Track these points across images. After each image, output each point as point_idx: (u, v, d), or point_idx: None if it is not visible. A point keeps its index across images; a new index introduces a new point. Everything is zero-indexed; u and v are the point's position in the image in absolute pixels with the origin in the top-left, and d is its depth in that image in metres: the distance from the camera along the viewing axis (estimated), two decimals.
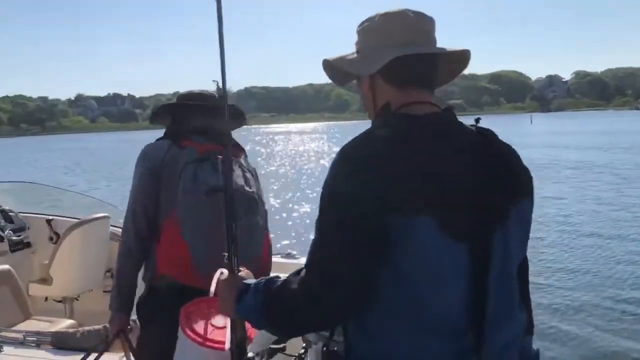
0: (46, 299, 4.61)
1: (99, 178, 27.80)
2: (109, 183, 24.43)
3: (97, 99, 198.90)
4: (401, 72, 1.30)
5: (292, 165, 31.93)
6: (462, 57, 1.38)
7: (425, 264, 1.16)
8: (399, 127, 1.23)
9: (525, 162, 1.34)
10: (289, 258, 4.45)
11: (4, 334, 3.04)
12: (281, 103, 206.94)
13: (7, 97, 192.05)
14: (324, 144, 55.25)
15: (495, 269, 1.21)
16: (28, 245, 4.95)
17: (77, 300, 4.80)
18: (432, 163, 1.18)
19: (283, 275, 1.34)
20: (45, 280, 4.45)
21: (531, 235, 1.34)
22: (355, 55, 1.37)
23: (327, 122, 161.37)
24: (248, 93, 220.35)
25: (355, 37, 1.40)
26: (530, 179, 1.33)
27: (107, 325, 2.93)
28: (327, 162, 30.65)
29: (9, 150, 70.39)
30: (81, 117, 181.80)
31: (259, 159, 36.94)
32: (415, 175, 1.16)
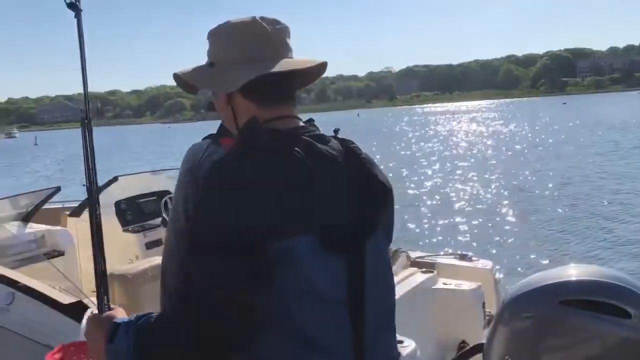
0: None
1: None
2: None
3: None
4: (261, 89, 1.25)
5: (452, 146, 30.43)
6: (320, 66, 1.37)
7: (307, 282, 1.12)
8: (267, 145, 1.18)
9: None
10: (464, 260, 3.89)
11: None
12: (445, 81, 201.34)
13: None
14: (489, 123, 52.60)
15: (371, 280, 1.21)
16: None
17: None
18: (304, 179, 1.15)
19: None
20: None
21: None
22: (209, 69, 1.30)
23: (494, 100, 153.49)
24: (410, 72, 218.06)
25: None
26: (390, 188, 1.32)
27: None
28: (490, 144, 29.38)
29: (191, 133, 77.47)
30: None
31: (420, 140, 36.16)
32: (289, 194, 1.12)
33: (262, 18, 1.27)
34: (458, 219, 11.79)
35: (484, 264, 3.83)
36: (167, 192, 4.96)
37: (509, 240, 9.84)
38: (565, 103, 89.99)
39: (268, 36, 1.26)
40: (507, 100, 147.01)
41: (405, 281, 3.38)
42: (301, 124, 1.30)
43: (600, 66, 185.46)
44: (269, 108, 1.26)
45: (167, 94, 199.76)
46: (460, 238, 10.26)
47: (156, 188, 5.00)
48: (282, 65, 1.25)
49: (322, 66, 1.38)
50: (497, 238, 10.05)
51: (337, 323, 1.17)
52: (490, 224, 11.16)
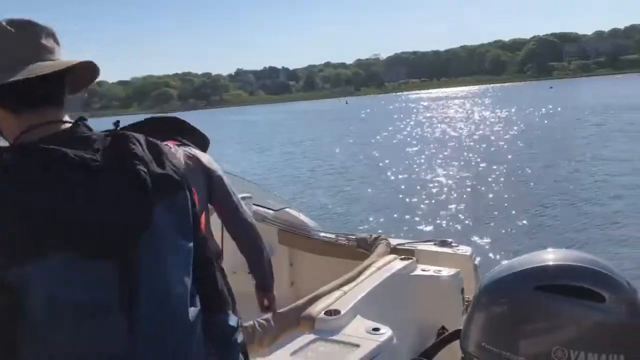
0: None
1: (249, 149, 29.16)
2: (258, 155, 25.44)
3: (255, 72, 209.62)
4: (10, 97, 1.18)
5: (436, 133, 30.51)
6: (86, 68, 1.28)
7: (59, 300, 1.07)
8: (11, 162, 1.10)
9: None
10: (443, 246, 3.90)
11: None
12: (433, 67, 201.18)
13: (176, 74, 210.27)
14: (474, 109, 52.71)
15: (147, 278, 1.16)
16: None
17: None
18: (51, 193, 1.08)
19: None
20: None
21: None
22: None
23: (481, 85, 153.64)
24: (398, 59, 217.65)
25: None
26: (178, 169, 1.26)
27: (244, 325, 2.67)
28: (474, 129, 29.33)
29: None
30: (241, 90, 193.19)
31: (404, 127, 36.13)
32: (19, 218, 1.05)
33: (9, 21, 1.21)
34: (440, 205, 11.81)
35: (464, 250, 3.84)
36: None
37: (491, 226, 9.87)
38: (552, 87, 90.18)
39: (12, 41, 1.20)
40: (495, 85, 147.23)
41: (384, 268, 3.39)
42: (64, 127, 1.22)
43: (586, 50, 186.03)
44: (24, 116, 1.20)
45: (154, 84, 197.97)
46: (443, 224, 10.28)
47: None
48: (30, 71, 1.17)
49: (90, 68, 1.30)
50: (479, 224, 10.07)
51: (108, 329, 1.13)
52: (472, 210, 11.17)
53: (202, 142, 2.74)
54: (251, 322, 2.65)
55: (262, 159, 24.96)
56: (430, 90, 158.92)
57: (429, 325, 3.36)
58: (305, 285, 4.25)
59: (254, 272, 2.65)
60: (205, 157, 2.52)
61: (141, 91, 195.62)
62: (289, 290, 4.52)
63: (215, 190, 2.48)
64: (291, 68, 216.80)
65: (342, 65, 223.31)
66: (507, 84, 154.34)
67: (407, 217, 11.09)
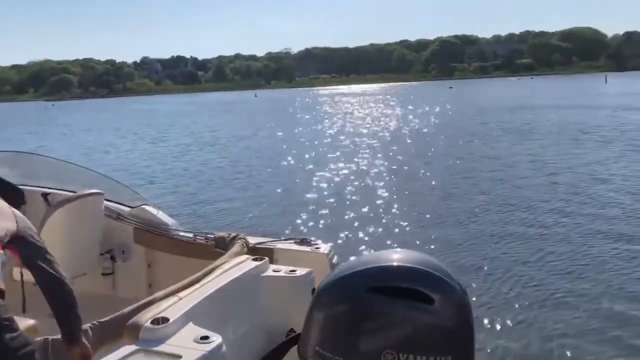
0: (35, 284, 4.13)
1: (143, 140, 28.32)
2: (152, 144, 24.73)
3: (162, 61, 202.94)
4: None
5: (334, 128, 31.06)
6: None
7: None
8: None
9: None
10: (303, 245, 3.80)
11: None
12: (342, 64, 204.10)
13: (77, 60, 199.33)
14: (376, 105, 54.30)
15: None
16: None
17: (72, 284, 4.30)
18: None
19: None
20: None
21: None
22: None
23: (388, 83, 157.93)
24: (308, 54, 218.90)
25: None
26: None
27: (50, 338, 2.41)
28: (377, 128, 30.17)
29: (78, 111, 73.11)
30: (146, 79, 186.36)
31: (310, 121, 36.46)
32: None
33: None
34: (314, 201, 11.86)
35: (323, 248, 3.76)
36: None
37: (362, 223, 9.90)
38: (451, 87, 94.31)
39: None
40: (400, 83, 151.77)
41: (233, 269, 3.22)
42: None
43: (485, 53, 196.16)
44: None
45: (52, 69, 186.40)
46: (310, 221, 10.25)
47: None
48: None
49: None
50: (349, 220, 10.18)
51: None
52: (343, 206, 11.32)
53: (14, 196, 2.48)
54: (59, 337, 2.40)
55: (155, 149, 24.25)
56: (339, 87, 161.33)
57: (278, 327, 3.22)
58: (164, 287, 3.97)
59: (62, 326, 2.35)
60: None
61: (38, 76, 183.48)
62: (147, 292, 4.23)
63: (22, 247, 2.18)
64: (200, 58, 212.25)
65: (253, 57, 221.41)
66: (412, 82, 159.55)
67: (278, 213, 11.08)
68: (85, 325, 2.53)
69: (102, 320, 2.58)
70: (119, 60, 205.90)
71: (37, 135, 35.68)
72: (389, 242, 8.53)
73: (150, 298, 2.79)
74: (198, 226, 9.67)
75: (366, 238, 8.98)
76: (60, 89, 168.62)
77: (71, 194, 4.49)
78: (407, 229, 9.47)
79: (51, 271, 2.21)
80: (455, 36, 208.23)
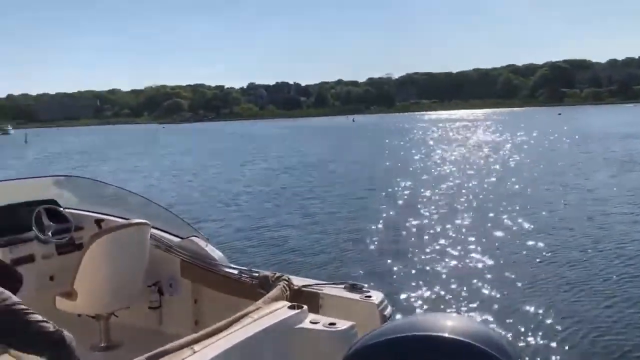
0: (80, 315, 4.02)
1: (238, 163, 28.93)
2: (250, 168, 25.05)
3: (267, 87, 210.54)
4: None
5: (429, 157, 29.36)
6: None
7: None
8: None
9: None
10: (352, 291, 3.39)
11: None
12: (444, 89, 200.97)
13: (189, 85, 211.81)
14: (479, 132, 52.28)
15: None
16: (80, 247, 4.37)
17: (116, 316, 4.15)
18: None
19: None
20: (70, 295, 3.84)
21: None
22: None
23: (492, 109, 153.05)
24: (409, 79, 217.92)
25: None
26: None
27: None
28: (472, 158, 28.53)
29: (184, 133, 77.15)
30: (252, 104, 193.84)
31: (405, 147, 35.68)
32: None
33: None
34: (378, 240, 10.53)
35: (375, 297, 3.32)
36: (44, 202, 4.43)
37: (424, 271, 8.52)
38: (560, 114, 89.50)
39: None
40: (505, 109, 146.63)
41: (266, 317, 2.87)
42: None
43: (599, 78, 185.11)
44: None
45: (167, 94, 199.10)
46: (369, 263, 9.04)
47: (33, 197, 4.46)
48: None
49: None
50: (416, 266, 8.79)
51: None
52: (411, 250, 9.77)
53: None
54: None
55: (241, 172, 24.70)
56: (440, 112, 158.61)
57: None
58: (210, 326, 3.67)
59: None
60: None
61: (153, 100, 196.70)
62: (192, 330, 3.98)
63: None
64: (303, 84, 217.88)
65: (354, 83, 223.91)
66: (518, 108, 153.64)
67: (337, 248, 10.08)
68: None
69: None
70: (227, 85, 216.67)
71: (139, 156, 37.84)
72: (450, 298, 7.23)
73: (165, 348, 2.50)
74: (250, 257, 9.28)
75: (431, 290, 7.60)
76: (172, 112, 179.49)
77: (120, 221, 4.38)
78: (480, 282, 7.95)
79: (45, 343, 1.95)
80: (565, 60, 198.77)
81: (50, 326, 1.97)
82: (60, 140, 68.73)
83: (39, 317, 1.96)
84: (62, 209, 4.48)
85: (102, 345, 4.01)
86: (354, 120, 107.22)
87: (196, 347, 2.51)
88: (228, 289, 3.83)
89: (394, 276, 8.21)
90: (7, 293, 1.94)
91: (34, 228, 4.18)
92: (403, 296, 7.14)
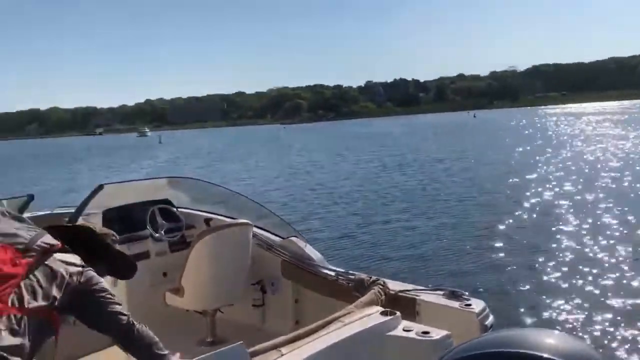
0: (188, 310, 4.22)
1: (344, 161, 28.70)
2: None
3: (384, 84, 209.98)
4: None
5: (557, 156, 26.34)
6: None
7: None
8: None
9: None
10: (451, 298, 3.24)
11: None
12: (575, 80, 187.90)
13: (308, 86, 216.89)
14: (624, 126, 47.67)
15: None
16: (190, 245, 4.60)
17: (222, 313, 4.32)
18: None
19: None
20: (178, 291, 4.05)
21: None
22: None
23: (631, 101, 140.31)
24: (535, 71, 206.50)
25: None
26: None
27: None
28: (619, 151, 25.73)
29: (303, 133, 79.15)
30: (369, 102, 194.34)
31: (528, 145, 33.60)
32: None
33: None
34: (489, 244, 9.80)
35: (475, 305, 3.15)
36: (158, 202, 4.71)
37: (549, 279, 7.78)
38: None
39: None
40: None
41: (358, 322, 2.82)
42: None
43: None
44: None
45: (287, 96, 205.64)
46: (476, 268, 8.44)
47: (150, 197, 4.77)
48: None
49: None
50: (531, 273, 8.05)
51: None
52: (524, 255, 9.00)
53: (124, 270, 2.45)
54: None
55: (353, 170, 24.62)
56: (569, 105, 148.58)
57: None
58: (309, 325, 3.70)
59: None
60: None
61: (275, 102, 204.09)
62: (293, 329, 4.05)
63: None
64: (422, 80, 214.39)
65: (476, 77, 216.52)
66: None
67: (443, 251, 9.45)
68: None
69: None
70: (345, 85, 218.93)
71: (259, 155, 39.34)
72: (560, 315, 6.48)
73: (251, 350, 2.55)
74: (349, 258, 9.14)
75: (548, 305, 6.86)
76: (293, 113, 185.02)
77: (226, 220, 4.54)
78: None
79: (124, 332, 2.07)
80: None
81: (125, 318, 2.07)
82: (191, 141, 73.39)
83: (117, 308, 2.06)
84: (175, 208, 4.75)
85: (209, 340, 4.19)
86: (475, 116, 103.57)
87: (283, 349, 2.53)
88: (325, 291, 3.83)
89: (507, 286, 7.56)
90: (98, 278, 2.06)
91: (148, 226, 4.47)
92: (510, 307, 6.53)
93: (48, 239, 1.96)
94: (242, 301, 4.35)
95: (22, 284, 1.78)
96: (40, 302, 1.82)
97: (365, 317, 2.89)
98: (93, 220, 4.50)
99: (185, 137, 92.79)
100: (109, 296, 2.05)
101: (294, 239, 4.17)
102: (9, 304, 1.73)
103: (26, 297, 1.79)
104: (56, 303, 1.87)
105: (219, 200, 4.85)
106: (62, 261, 1.96)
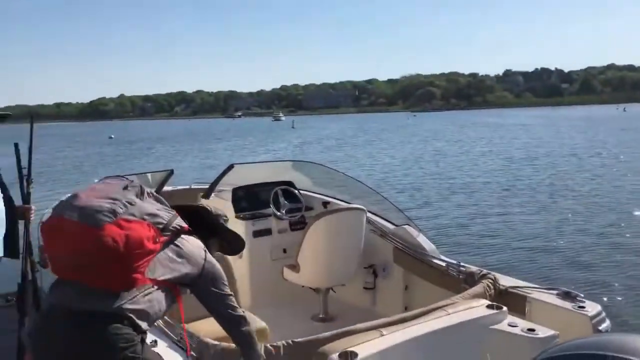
0: (303, 286, 4.47)
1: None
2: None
3: (524, 74, 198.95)
4: None
5: None
6: None
7: None
8: None
9: None
10: (565, 299, 3.15)
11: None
12: None
13: (442, 74, 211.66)
14: None
15: None
16: None
17: (334, 292, 4.52)
18: None
19: None
20: (294, 267, 4.29)
21: None
22: None
23: None
24: None
25: None
26: None
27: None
28: None
29: (432, 121, 77.72)
30: (506, 92, 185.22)
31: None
32: None
33: None
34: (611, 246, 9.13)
35: (590, 308, 3.03)
36: (282, 183, 5.00)
37: None
38: None
39: None
40: None
41: (460, 313, 2.85)
42: None
43: None
44: None
45: (420, 83, 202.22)
46: (595, 269, 7.92)
47: (275, 178, 5.07)
48: None
49: None
50: None
51: None
52: None
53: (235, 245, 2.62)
54: (260, 346, 2.47)
55: (477, 162, 23.72)
56: None
57: None
58: None
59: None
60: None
61: (407, 90, 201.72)
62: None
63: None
64: (566, 70, 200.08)
65: (629, 67, 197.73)
66: None
67: (560, 251, 8.87)
68: (279, 343, 2.56)
69: (297, 340, 2.58)
70: (482, 73, 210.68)
71: (382, 142, 39.32)
72: None
73: (351, 328, 2.68)
74: (461, 249, 8.93)
75: None
76: (424, 101, 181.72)
77: (342, 204, 4.72)
78: None
79: (228, 315, 2.28)
80: None
81: (239, 309, 2.28)
82: (321, 126, 75.10)
83: (233, 300, 2.27)
84: (296, 190, 5.02)
85: (321, 316, 4.42)
86: (625, 110, 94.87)
87: (384, 331, 2.63)
88: (435, 280, 3.87)
89: (634, 291, 7.05)
90: (216, 264, 2.28)
91: (271, 205, 4.77)
92: (635, 313, 6.13)
93: (180, 221, 2.20)
94: (354, 283, 4.52)
95: (156, 258, 2.05)
96: (167, 276, 2.09)
97: (469, 308, 2.90)
98: (224, 196, 4.91)
99: (317, 122, 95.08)
100: (223, 284, 2.27)
101: (407, 227, 4.24)
102: (145, 274, 2.01)
103: (158, 270, 2.06)
104: (179, 277, 2.13)
105: (337, 184, 5.05)
106: (189, 242, 2.22)
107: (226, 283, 2.29)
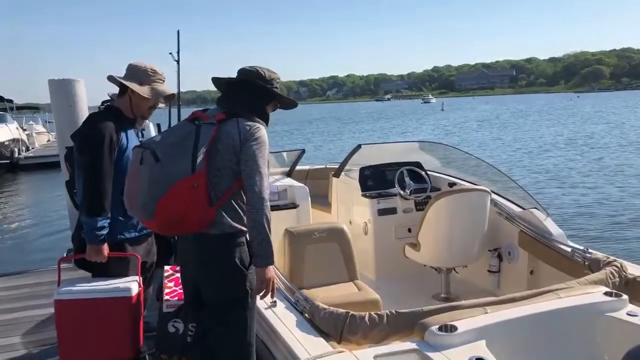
0: (425, 265, 4.54)
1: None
2: None
3: None
4: None
5: None
6: None
7: None
8: None
9: None
10: None
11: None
12: None
13: (613, 50, 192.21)
14: None
15: None
16: None
17: (457, 273, 4.54)
18: None
19: None
20: (415, 246, 4.37)
21: None
22: None
23: None
24: None
25: None
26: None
27: (353, 313, 2.68)
28: None
29: (598, 102, 71.18)
30: None
31: None
32: None
33: None
34: None
35: None
36: (409, 164, 5.08)
37: None
38: None
39: None
40: None
41: (574, 297, 2.80)
42: None
43: None
44: None
45: (586, 61, 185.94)
46: None
47: (403, 158, 5.16)
48: None
49: None
50: None
51: None
52: None
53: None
54: (362, 314, 2.64)
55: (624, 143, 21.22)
56: None
57: None
58: None
59: (252, 248, 2.48)
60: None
61: (571, 69, 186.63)
62: None
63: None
64: None
65: None
66: None
67: None
68: (383, 312, 2.69)
69: (401, 311, 2.69)
70: None
71: (532, 124, 36.84)
72: None
73: (456, 303, 2.75)
74: (590, 236, 8.29)
75: None
76: (590, 80, 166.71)
77: (466, 185, 4.69)
78: None
79: (252, 193, 2.40)
80: None
81: (265, 192, 2.44)
82: (472, 108, 72.40)
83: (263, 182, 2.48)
84: (423, 171, 5.07)
85: (443, 296, 4.46)
86: None
87: (489, 309, 2.66)
88: (560, 266, 3.74)
89: None
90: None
91: (396, 185, 4.89)
92: None
93: None
94: (478, 265, 4.49)
95: None
96: None
97: (584, 294, 2.81)
98: (352, 175, 5.14)
99: (469, 104, 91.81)
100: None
101: (534, 210, 4.11)
102: None
103: None
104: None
105: (466, 166, 5.00)
106: None
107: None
